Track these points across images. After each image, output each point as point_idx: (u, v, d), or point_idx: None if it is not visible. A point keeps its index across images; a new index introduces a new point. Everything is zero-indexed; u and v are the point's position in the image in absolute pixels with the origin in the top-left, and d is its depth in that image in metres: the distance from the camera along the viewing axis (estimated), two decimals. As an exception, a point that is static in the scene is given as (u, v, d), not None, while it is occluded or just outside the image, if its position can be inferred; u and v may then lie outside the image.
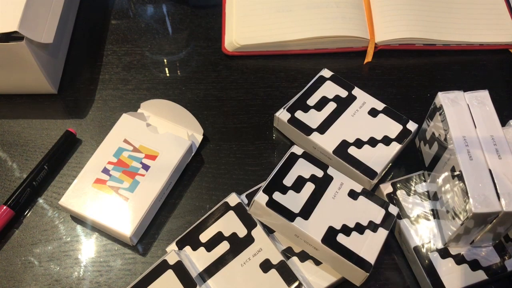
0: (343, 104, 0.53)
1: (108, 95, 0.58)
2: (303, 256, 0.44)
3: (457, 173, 0.41)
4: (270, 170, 0.51)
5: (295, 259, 0.44)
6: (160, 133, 0.52)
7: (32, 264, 0.47)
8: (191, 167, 0.53)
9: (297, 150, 0.47)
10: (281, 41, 0.60)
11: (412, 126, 0.51)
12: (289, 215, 0.42)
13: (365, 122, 0.52)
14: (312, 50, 0.61)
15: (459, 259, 0.44)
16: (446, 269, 0.43)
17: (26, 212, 0.50)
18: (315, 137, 0.50)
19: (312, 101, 0.53)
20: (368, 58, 0.60)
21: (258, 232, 0.44)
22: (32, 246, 0.48)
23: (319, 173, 0.45)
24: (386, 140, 0.50)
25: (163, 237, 0.48)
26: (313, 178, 0.45)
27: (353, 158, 0.49)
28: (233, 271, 0.43)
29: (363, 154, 0.49)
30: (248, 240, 0.44)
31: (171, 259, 0.43)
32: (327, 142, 0.50)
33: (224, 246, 0.44)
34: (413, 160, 0.52)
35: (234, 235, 0.45)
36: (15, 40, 0.50)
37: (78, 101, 0.58)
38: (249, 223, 0.45)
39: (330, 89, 0.54)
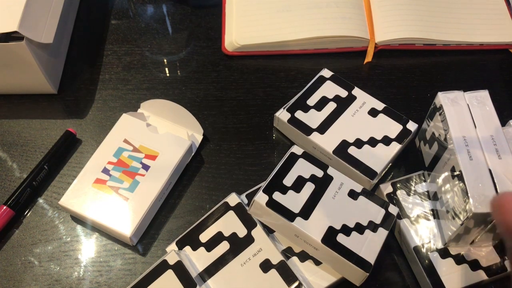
0: (343, 104, 0.53)
1: (108, 95, 0.58)
2: (303, 256, 0.44)
3: (457, 173, 0.41)
4: (270, 170, 0.51)
5: (295, 259, 0.44)
6: (160, 133, 0.52)
7: (32, 264, 0.47)
8: (191, 167, 0.53)
9: (297, 150, 0.47)
10: (281, 41, 0.60)
11: (412, 126, 0.51)
12: (289, 215, 0.42)
13: (365, 122, 0.52)
14: (312, 50, 0.61)
15: (459, 259, 0.44)
16: (446, 269, 0.43)
17: (26, 212, 0.50)
18: (315, 137, 0.50)
19: (312, 101, 0.53)
20: (368, 58, 0.60)
21: (258, 232, 0.44)
22: (32, 246, 0.48)
23: (319, 173, 0.45)
24: (386, 140, 0.50)
25: (163, 237, 0.48)
26: (313, 178, 0.45)
27: (353, 158, 0.49)
28: (233, 271, 0.43)
29: (363, 154, 0.49)
30: (248, 240, 0.44)
31: (171, 259, 0.43)
32: (327, 142, 0.50)
33: (224, 246, 0.44)
34: (413, 160, 0.52)
35: (234, 235, 0.45)
36: (15, 40, 0.50)
37: (78, 101, 0.58)
38: (249, 223, 0.45)
39: (330, 89, 0.54)
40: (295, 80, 0.59)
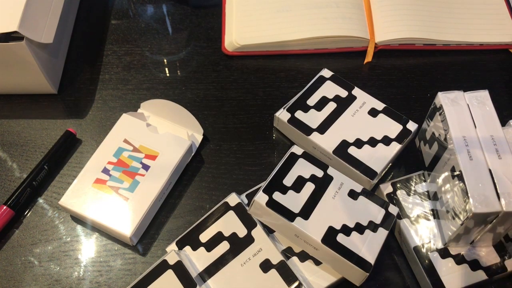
0: (343, 104, 0.53)
1: (108, 95, 0.58)
2: (303, 256, 0.44)
3: (457, 173, 0.41)
4: (270, 170, 0.51)
5: (295, 259, 0.44)
6: (160, 133, 0.52)
7: (32, 264, 0.47)
8: (191, 167, 0.53)
9: (297, 150, 0.47)
10: (281, 41, 0.60)
11: (412, 126, 0.51)
12: (289, 215, 0.42)
13: (365, 122, 0.52)
14: (312, 50, 0.61)
15: (459, 259, 0.44)
16: (446, 269, 0.43)
17: (26, 212, 0.50)
18: (315, 137, 0.50)
19: (312, 101, 0.53)
20: (368, 58, 0.60)
21: (258, 232, 0.44)
22: (32, 246, 0.48)
23: (319, 173, 0.45)
24: (386, 140, 0.50)
25: (163, 237, 0.48)
26: (313, 178, 0.45)
27: (353, 158, 0.49)
28: (233, 271, 0.43)
29: (363, 154, 0.49)
30: (248, 240, 0.44)
31: (171, 259, 0.43)
32: (327, 142, 0.50)
33: (224, 246, 0.44)
34: (413, 160, 0.52)
35: (234, 235, 0.45)
36: (15, 40, 0.50)
37: (78, 101, 0.58)
38: (249, 223, 0.45)
39: (330, 89, 0.54)
40: (295, 80, 0.59)
